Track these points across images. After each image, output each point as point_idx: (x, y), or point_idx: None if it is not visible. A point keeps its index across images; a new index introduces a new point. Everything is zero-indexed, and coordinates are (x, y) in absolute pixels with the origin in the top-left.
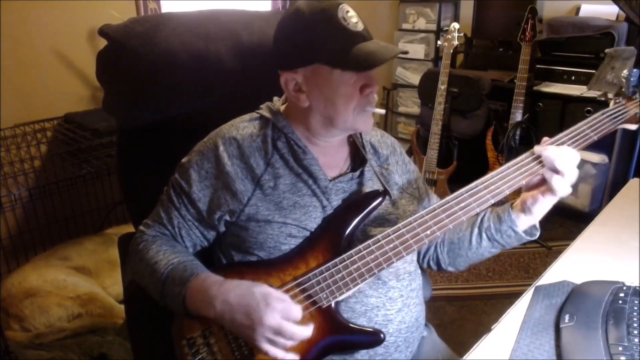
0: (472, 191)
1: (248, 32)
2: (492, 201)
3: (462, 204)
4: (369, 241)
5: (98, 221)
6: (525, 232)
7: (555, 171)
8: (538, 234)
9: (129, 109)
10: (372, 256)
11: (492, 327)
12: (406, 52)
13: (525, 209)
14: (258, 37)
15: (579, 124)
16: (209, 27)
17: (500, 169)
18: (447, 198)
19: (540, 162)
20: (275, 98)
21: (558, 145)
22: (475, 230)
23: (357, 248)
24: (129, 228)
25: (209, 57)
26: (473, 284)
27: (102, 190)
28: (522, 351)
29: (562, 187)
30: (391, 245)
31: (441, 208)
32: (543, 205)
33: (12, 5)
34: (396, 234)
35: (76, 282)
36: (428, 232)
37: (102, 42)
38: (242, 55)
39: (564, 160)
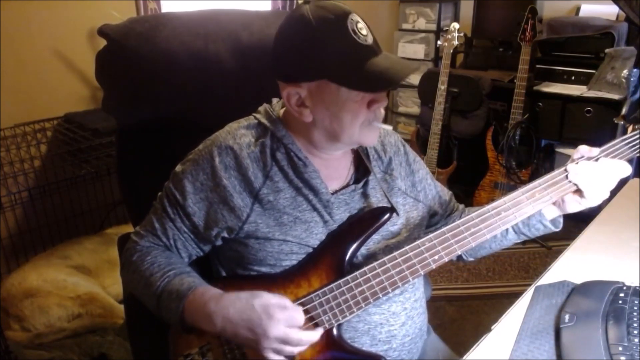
0: (483, 217)
1: (248, 32)
2: (503, 228)
3: (472, 230)
4: (375, 263)
5: (98, 221)
6: (552, 222)
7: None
8: (562, 221)
9: (129, 109)
10: (377, 280)
11: (492, 327)
12: (418, 68)
13: (557, 203)
14: (258, 37)
15: (598, 151)
16: (209, 27)
17: (512, 195)
18: (457, 222)
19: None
20: (274, 100)
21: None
22: None
23: (362, 270)
24: (129, 228)
25: (209, 57)
26: (473, 284)
27: (102, 190)
28: (522, 351)
29: (593, 194)
30: (397, 270)
31: (451, 233)
32: (580, 203)
33: (12, 5)
34: (403, 257)
35: (76, 282)
36: (436, 257)
37: (102, 42)
38: (242, 56)
39: (601, 179)
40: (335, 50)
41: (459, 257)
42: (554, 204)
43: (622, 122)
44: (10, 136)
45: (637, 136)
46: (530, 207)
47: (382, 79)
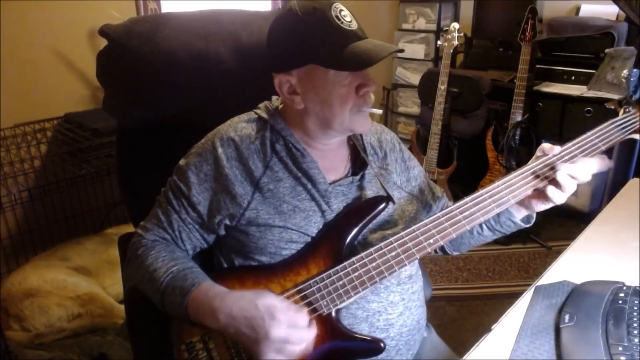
0: (476, 200)
1: (248, 32)
2: (497, 211)
3: (466, 213)
4: (371, 249)
5: (98, 221)
6: (523, 220)
7: (560, 188)
8: (534, 217)
9: (129, 108)
10: (373, 264)
11: (492, 327)
12: (402, 51)
13: (527, 206)
14: (258, 37)
15: (588, 134)
16: (209, 27)
17: (505, 179)
18: (451, 207)
19: (547, 176)
20: (274, 97)
21: (567, 154)
22: None
23: (358, 255)
24: (129, 228)
25: (209, 57)
26: (473, 284)
27: (102, 190)
28: (522, 351)
29: (561, 199)
30: (393, 254)
31: (445, 217)
32: (544, 205)
33: (12, 5)
34: (398, 242)
35: (76, 282)
36: (431, 240)
37: (102, 42)
38: (242, 55)
39: (573, 180)
40: (320, 35)
41: (444, 251)
42: (521, 205)
43: (612, 107)
44: (10, 136)
45: (627, 118)
46: (524, 188)
47: (363, 58)
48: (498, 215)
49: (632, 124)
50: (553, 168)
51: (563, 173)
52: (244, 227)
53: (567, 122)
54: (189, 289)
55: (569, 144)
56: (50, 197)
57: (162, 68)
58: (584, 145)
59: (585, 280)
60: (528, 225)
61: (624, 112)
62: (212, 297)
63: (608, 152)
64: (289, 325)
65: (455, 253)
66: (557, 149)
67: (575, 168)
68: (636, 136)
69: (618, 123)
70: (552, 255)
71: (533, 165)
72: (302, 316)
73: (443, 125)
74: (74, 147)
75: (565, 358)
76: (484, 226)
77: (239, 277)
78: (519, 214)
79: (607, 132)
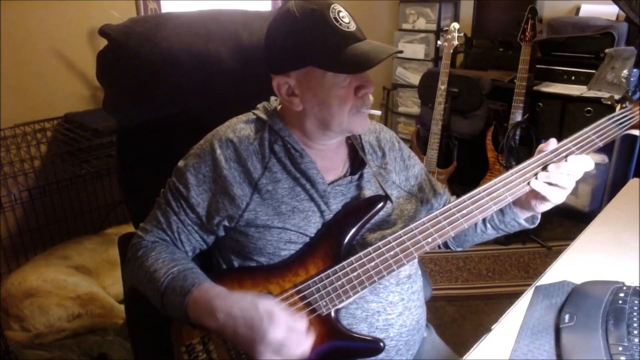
0: (474, 198)
1: (248, 32)
2: (495, 208)
3: (464, 211)
4: (370, 248)
5: (98, 221)
6: (527, 220)
7: (555, 186)
8: (539, 218)
9: (129, 108)
10: (372, 264)
11: (492, 327)
12: (400, 52)
13: (528, 206)
14: (258, 37)
15: (585, 130)
16: (209, 27)
17: (503, 176)
18: (449, 205)
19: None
20: (272, 98)
21: (564, 151)
22: (479, 221)
23: (357, 255)
24: (129, 228)
25: (209, 57)
26: (473, 284)
27: (102, 190)
28: (522, 351)
29: (559, 198)
30: (392, 253)
31: (443, 215)
32: (547, 205)
33: (12, 5)
34: (397, 241)
35: (76, 282)
36: (429, 239)
37: (102, 42)
38: (242, 55)
39: (568, 178)
40: (318, 37)
41: (446, 246)
42: (522, 206)
43: (609, 103)
44: (10, 136)
45: (624, 114)
46: (521, 185)
47: (361, 61)
48: (503, 215)
49: (629, 119)
50: (548, 166)
51: (555, 172)
52: (243, 228)
53: (567, 122)
54: (189, 288)
55: (565, 140)
56: (50, 197)
57: (162, 68)
58: (581, 141)
59: (585, 280)
60: (533, 226)
61: (621, 108)
62: (212, 296)
63: (608, 151)
64: (287, 328)
65: (459, 249)
66: (553, 142)
67: (569, 166)
68: (634, 132)
69: (615, 118)
70: (552, 255)
71: (530, 162)
72: (301, 321)
73: (443, 125)
74: (74, 147)
75: (565, 358)
76: (488, 225)
77: (238, 278)
78: (523, 215)
79: (604, 128)
